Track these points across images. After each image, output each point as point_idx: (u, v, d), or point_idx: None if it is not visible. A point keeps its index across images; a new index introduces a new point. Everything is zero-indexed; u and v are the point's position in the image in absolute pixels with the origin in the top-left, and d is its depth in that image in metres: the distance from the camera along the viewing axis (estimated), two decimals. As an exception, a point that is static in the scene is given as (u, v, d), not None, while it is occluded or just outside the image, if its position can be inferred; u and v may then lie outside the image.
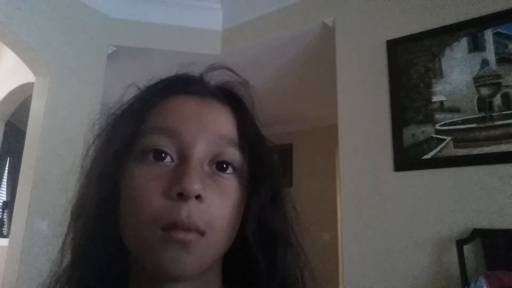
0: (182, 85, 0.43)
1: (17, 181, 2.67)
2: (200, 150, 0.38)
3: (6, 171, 4.50)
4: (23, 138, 2.72)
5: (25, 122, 2.78)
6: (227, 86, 0.45)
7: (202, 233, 0.35)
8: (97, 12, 2.99)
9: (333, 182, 4.37)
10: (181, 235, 0.34)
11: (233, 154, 0.40)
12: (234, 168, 0.40)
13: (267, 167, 0.42)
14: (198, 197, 0.35)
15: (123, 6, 3.09)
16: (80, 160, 0.44)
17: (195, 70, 0.46)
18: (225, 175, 0.39)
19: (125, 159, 0.39)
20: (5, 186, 4.50)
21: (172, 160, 0.38)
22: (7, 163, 4.48)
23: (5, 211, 4.31)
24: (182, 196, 0.35)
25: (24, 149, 2.66)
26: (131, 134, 0.39)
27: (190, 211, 0.35)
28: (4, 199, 4.43)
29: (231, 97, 0.44)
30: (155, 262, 0.35)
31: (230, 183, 0.39)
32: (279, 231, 0.42)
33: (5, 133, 4.19)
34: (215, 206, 0.37)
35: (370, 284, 2.09)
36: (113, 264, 0.39)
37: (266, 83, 3.44)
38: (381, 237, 2.12)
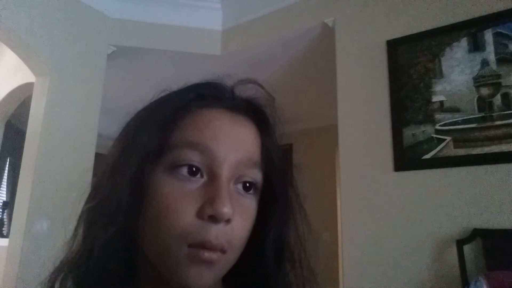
0: (215, 97, 0.43)
1: (17, 181, 2.67)
2: (229, 170, 0.39)
3: (6, 171, 4.50)
4: (23, 138, 2.72)
5: (25, 122, 2.77)
6: (256, 103, 0.45)
7: (224, 252, 0.37)
8: (97, 12, 2.99)
9: (333, 182, 4.37)
10: (207, 254, 0.36)
11: (257, 175, 0.41)
12: (255, 188, 0.41)
13: (285, 188, 0.44)
14: (227, 220, 0.36)
15: (123, 6, 3.09)
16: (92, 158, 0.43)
17: (222, 77, 0.46)
18: (247, 194, 0.40)
19: (153, 166, 0.39)
20: (5, 186, 4.49)
21: (202, 176, 0.38)
22: (7, 163, 4.47)
23: (5, 211, 4.30)
24: (213, 219, 0.36)
25: (24, 149, 2.66)
26: (161, 143, 0.39)
27: (218, 233, 0.36)
28: (4, 199, 4.43)
29: (258, 115, 0.44)
30: (178, 276, 0.36)
31: (251, 203, 0.41)
32: (289, 249, 0.44)
33: (5, 133, 4.19)
34: (238, 227, 0.38)
35: (370, 284, 2.09)
36: (123, 266, 0.39)
37: (266, 83, 3.43)
38: (381, 237, 2.12)
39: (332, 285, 3.79)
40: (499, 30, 2.00)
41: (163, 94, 0.44)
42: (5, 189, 4.49)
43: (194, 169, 0.38)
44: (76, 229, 0.42)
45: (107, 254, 0.38)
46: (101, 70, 2.99)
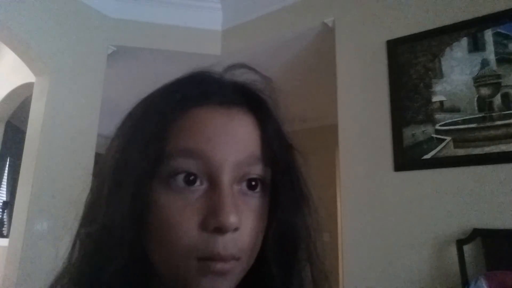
0: (201, 92, 0.38)
1: (17, 181, 2.67)
2: (230, 172, 0.35)
3: (6, 171, 4.50)
4: (23, 138, 2.72)
5: (25, 122, 2.77)
6: (250, 89, 0.41)
7: (237, 259, 0.35)
8: (97, 12, 2.99)
9: (333, 182, 4.37)
10: (219, 266, 0.34)
11: (261, 171, 0.38)
12: (262, 184, 0.38)
13: (290, 174, 0.40)
14: (234, 229, 0.34)
15: (123, 6, 3.09)
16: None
17: (203, 66, 0.42)
18: (254, 193, 0.37)
19: (150, 180, 0.35)
20: (5, 186, 4.49)
21: (201, 183, 0.35)
22: (7, 163, 4.47)
23: (5, 211, 4.30)
24: (219, 230, 0.33)
25: (24, 149, 2.66)
26: (155, 155, 0.35)
27: (226, 243, 0.34)
28: (4, 199, 4.43)
29: (254, 101, 0.40)
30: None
31: (258, 201, 0.38)
32: (300, 247, 0.40)
33: (5, 133, 4.19)
34: (248, 231, 0.36)
35: (370, 284, 2.09)
36: (135, 283, 0.36)
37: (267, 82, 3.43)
38: (381, 237, 2.12)
39: (332, 285, 3.79)
40: (499, 30, 2.00)
41: (144, 103, 0.40)
42: (5, 189, 4.49)
43: (191, 177, 0.35)
44: (72, 251, 0.39)
45: (117, 279, 0.35)
46: (101, 70, 2.99)
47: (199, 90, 0.38)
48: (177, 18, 3.13)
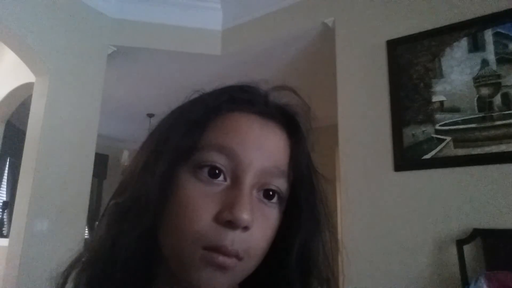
0: (247, 101, 0.42)
1: (17, 181, 2.67)
2: (254, 176, 0.38)
3: (6, 171, 4.50)
4: (23, 138, 2.72)
5: (25, 122, 2.77)
6: (289, 111, 0.44)
7: (240, 259, 0.36)
8: (97, 12, 2.99)
9: (333, 182, 4.37)
10: (221, 259, 0.35)
11: (282, 185, 0.40)
12: (279, 197, 0.40)
13: (313, 200, 0.42)
14: (245, 227, 0.36)
15: (123, 6, 3.09)
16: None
17: (258, 81, 0.45)
18: (270, 203, 0.39)
19: (180, 167, 0.39)
20: (5, 186, 4.49)
21: (225, 179, 0.38)
22: (7, 163, 4.48)
23: (5, 211, 4.31)
24: (231, 224, 0.35)
25: (24, 149, 2.66)
26: (191, 144, 0.38)
27: (234, 239, 0.35)
28: (4, 199, 4.43)
29: (290, 123, 0.43)
30: (190, 277, 0.36)
31: (273, 212, 0.40)
32: (316, 265, 0.42)
33: (5, 133, 4.19)
34: (257, 235, 0.37)
35: (370, 284, 2.09)
36: (142, 264, 0.39)
37: (269, 83, 3.43)
38: (381, 237, 2.12)
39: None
40: (499, 30, 2.00)
41: (196, 95, 0.44)
42: (5, 189, 4.49)
43: (217, 171, 0.37)
44: (99, 224, 0.42)
45: (130, 252, 0.38)
46: (101, 70, 2.99)
47: (246, 97, 0.42)
48: (177, 18, 3.13)
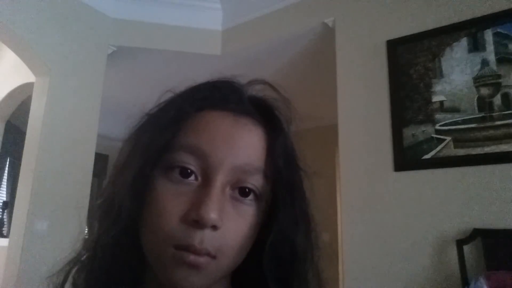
0: (220, 98, 0.41)
1: (17, 181, 2.67)
2: (225, 175, 0.37)
3: (6, 171, 4.50)
4: (23, 138, 2.72)
5: (25, 122, 2.77)
6: (266, 105, 0.43)
7: (213, 257, 0.36)
8: (97, 12, 2.99)
9: (333, 182, 4.37)
10: (192, 258, 0.35)
11: (257, 181, 0.39)
12: (255, 194, 0.39)
13: (292, 193, 0.41)
14: (213, 226, 0.35)
15: (123, 6, 3.09)
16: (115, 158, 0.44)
17: (230, 75, 0.44)
18: (245, 200, 0.39)
19: (154, 168, 0.39)
20: (5, 186, 4.49)
21: (196, 178, 0.38)
22: (7, 163, 4.48)
23: (5, 211, 4.31)
24: (198, 224, 0.35)
25: (24, 149, 2.66)
26: (163, 145, 0.38)
27: (203, 238, 0.35)
28: (4, 199, 4.43)
29: (267, 117, 0.42)
30: (167, 277, 0.36)
31: (249, 209, 0.39)
32: (298, 265, 0.41)
33: (5, 133, 4.19)
34: (229, 233, 0.37)
35: (370, 284, 2.09)
36: (126, 266, 0.40)
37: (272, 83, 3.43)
38: (381, 237, 2.12)
39: (332, 285, 3.79)
40: (499, 30, 2.00)
41: (167, 95, 0.44)
42: (5, 189, 4.49)
43: (188, 171, 0.37)
44: (88, 223, 0.44)
45: (110, 254, 0.39)
46: (101, 70, 2.99)
47: (218, 95, 0.41)
48: (177, 18, 3.13)
